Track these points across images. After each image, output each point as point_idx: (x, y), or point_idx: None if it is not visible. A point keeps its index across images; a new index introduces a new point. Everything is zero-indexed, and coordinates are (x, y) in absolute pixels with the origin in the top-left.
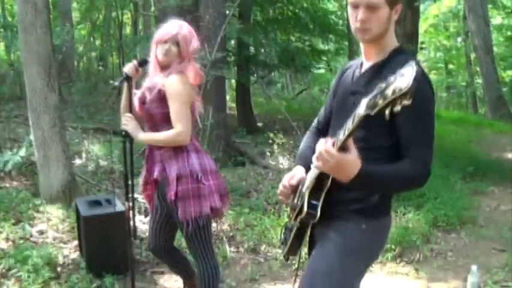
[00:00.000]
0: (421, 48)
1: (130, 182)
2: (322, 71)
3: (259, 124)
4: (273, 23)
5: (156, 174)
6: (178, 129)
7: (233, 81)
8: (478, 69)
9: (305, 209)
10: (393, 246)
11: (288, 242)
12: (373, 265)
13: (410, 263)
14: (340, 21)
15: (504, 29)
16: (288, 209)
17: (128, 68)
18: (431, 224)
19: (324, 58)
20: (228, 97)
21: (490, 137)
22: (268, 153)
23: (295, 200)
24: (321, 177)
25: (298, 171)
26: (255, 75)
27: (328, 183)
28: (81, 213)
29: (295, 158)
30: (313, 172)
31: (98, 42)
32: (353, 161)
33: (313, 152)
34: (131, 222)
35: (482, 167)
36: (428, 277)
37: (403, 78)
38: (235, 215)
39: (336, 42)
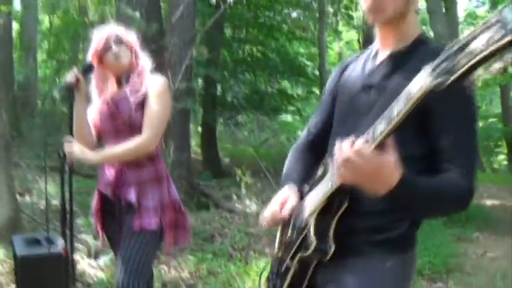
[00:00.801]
0: None
1: (68, 218)
2: (289, 118)
3: (226, 167)
4: (242, 64)
5: (132, 197)
6: (146, 135)
7: (199, 127)
8: None
9: (313, 242)
10: None
11: None
12: None
13: None
14: (311, 65)
15: None
16: (276, 245)
17: (69, 77)
18: (415, 273)
19: (294, 103)
20: (193, 142)
21: None
22: (234, 197)
23: (289, 232)
24: (333, 197)
25: (292, 194)
26: (222, 118)
27: (345, 205)
28: (17, 252)
29: (263, 201)
30: (323, 190)
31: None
32: (394, 165)
33: (305, 169)
34: (75, 265)
35: (463, 213)
36: None
37: (493, 31)
38: (196, 261)
39: (306, 86)
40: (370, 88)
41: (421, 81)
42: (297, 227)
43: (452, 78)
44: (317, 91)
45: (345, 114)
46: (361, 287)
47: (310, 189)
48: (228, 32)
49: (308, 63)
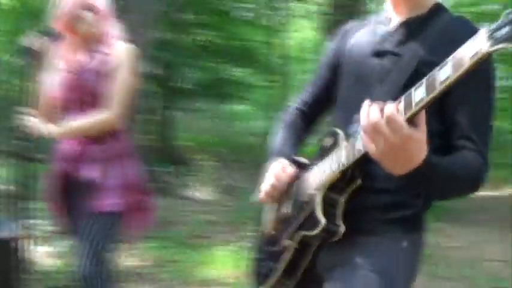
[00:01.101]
0: None
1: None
2: (247, 107)
3: (183, 155)
4: (202, 50)
5: (94, 175)
6: (114, 108)
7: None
8: None
9: (321, 221)
10: None
11: (273, 274)
12: None
13: None
14: (270, 53)
15: None
16: (268, 222)
17: (32, 42)
18: None
19: (252, 91)
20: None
21: None
22: (192, 184)
23: (287, 208)
24: (347, 171)
25: (287, 166)
26: (180, 104)
27: (358, 181)
28: None
29: (220, 189)
30: (335, 163)
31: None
32: (422, 142)
33: (297, 142)
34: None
35: None
36: None
37: None
38: (156, 249)
39: (265, 75)
40: (383, 54)
41: (477, 46)
42: (298, 203)
43: None
44: (277, 80)
45: (353, 82)
46: (376, 267)
47: (314, 162)
48: (188, 17)
49: (268, 51)
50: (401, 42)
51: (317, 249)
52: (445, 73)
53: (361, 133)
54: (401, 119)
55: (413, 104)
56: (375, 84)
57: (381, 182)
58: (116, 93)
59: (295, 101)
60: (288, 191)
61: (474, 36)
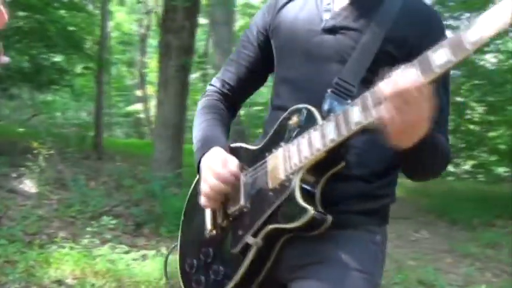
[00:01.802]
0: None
1: None
2: (62, 95)
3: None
4: (16, 33)
5: None
6: None
7: None
8: None
9: (308, 209)
10: None
11: (229, 281)
12: None
13: None
14: (90, 39)
15: None
16: (207, 221)
17: None
18: None
19: (68, 79)
20: None
21: None
22: (16, 176)
23: (235, 203)
24: (334, 148)
25: (227, 155)
26: None
27: (341, 164)
28: None
29: (45, 182)
30: (316, 140)
31: None
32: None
33: (226, 127)
34: None
35: None
36: None
37: None
38: None
39: (82, 61)
40: (337, 31)
41: None
42: (260, 194)
43: None
44: (94, 67)
45: (301, 60)
46: (358, 265)
47: (267, 145)
48: None
49: (88, 38)
50: (358, 17)
51: (281, 247)
52: (475, 35)
53: (384, 103)
54: (427, 88)
55: (434, 68)
56: (332, 63)
57: (355, 169)
58: None
59: (215, 82)
60: (234, 184)
61: None
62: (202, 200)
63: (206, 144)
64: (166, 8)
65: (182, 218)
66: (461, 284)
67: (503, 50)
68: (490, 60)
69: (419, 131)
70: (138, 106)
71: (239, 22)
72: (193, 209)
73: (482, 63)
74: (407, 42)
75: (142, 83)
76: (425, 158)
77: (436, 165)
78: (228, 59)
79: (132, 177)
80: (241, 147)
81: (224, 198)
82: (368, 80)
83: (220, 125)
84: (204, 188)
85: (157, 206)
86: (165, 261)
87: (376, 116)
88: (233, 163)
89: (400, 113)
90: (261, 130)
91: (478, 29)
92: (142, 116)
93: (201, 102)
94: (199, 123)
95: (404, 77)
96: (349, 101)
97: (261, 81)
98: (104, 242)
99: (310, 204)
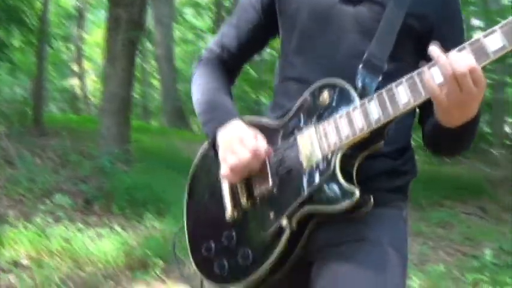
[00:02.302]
0: None
1: None
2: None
3: None
4: None
5: None
6: None
7: None
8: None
9: (355, 191)
10: (157, 261)
11: (259, 266)
12: None
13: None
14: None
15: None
16: (242, 196)
17: None
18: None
19: (9, 54)
20: None
21: (181, 145)
22: None
23: (268, 182)
24: (379, 128)
25: (250, 130)
26: None
27: (382, 143)
28: None
29: None
30: (358, 119)
31: None
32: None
33: (230, 96)
34: None
35: None
36: None
37: None
38: None
39: (23, 36)
40: (358, 2)
41: None
42: (287, 174)
43: None
44: (35, 41)
45: (315, 30)
46: (392, 242)
47: (294, 123)
48: None
49: (29, 11)
50: None
51: (314, 227)
52: None
53: (439, 85)
54: (481, 72)
55: (489, 53)
56: (352, 34)
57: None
58: None
59: (214, 46)
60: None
61: None
62: (228, 174)
63: (220, 113)
64: None
65: (186, 196)
66: (416, 262)
67: None
68: None
69: (470, 112)
70: (75, 81)
71: None
72: (203, 187)
73: None
74: (428, 17)
75: (79, 57)
76: (467, 135)
77: (470, 143)
78: (226, 22)
79: (78, 153)
80: (258, 122)
81: (248, 176)
82: (394, 56)
83: (227, 95)
84: (232, 160)
85: (107, 183)
86: (173, 245)
87: (426, 97)
88: (262, 139)
89: (453, 95)
90: None
91: None
92: (78, 91)
93: (200, 67)
94: (203, 86)
95: (460, 61)
96: (379, 78)
97: (262, 47)
98: (56, 220)
99: (351, 185)
